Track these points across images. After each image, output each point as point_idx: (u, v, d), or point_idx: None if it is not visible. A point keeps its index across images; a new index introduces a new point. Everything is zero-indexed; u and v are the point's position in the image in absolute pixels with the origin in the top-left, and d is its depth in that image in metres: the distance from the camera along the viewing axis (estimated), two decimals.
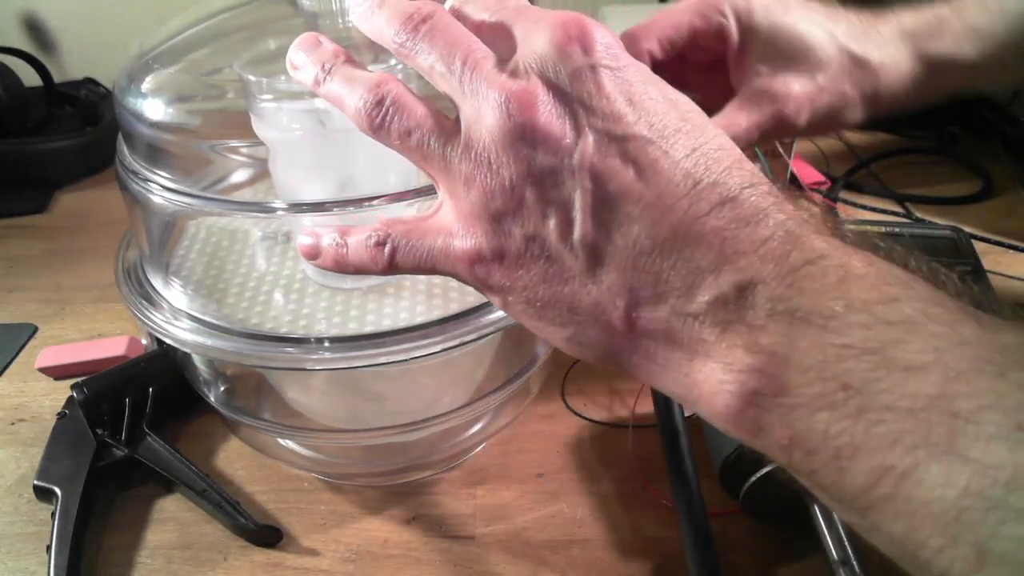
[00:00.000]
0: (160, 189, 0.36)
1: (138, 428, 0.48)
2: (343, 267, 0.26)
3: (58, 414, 0.48)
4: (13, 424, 0.52)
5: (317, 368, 0.36)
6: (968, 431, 0.17)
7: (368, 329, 0.37)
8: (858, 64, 0.38)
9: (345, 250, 0.26)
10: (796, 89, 0.37)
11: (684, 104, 0.23)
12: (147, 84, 0.36)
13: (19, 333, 0.60)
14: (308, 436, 0.45)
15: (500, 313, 0.36)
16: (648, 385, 0.23)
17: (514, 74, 0.22)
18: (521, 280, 0.23)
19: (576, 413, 0.50)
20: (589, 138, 0.21)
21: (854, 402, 0.18)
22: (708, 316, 0.21)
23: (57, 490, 0.43)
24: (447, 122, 0.24)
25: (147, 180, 0.37)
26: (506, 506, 0.44)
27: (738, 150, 0.23)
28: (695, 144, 0.22)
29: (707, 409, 0.22)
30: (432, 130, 0.23)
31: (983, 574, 0.16)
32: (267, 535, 0.42)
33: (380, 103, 0.24)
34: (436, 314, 0.37)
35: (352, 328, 0.37)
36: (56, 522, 0.41)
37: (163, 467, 0.45)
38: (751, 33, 0.37)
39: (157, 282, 0.41)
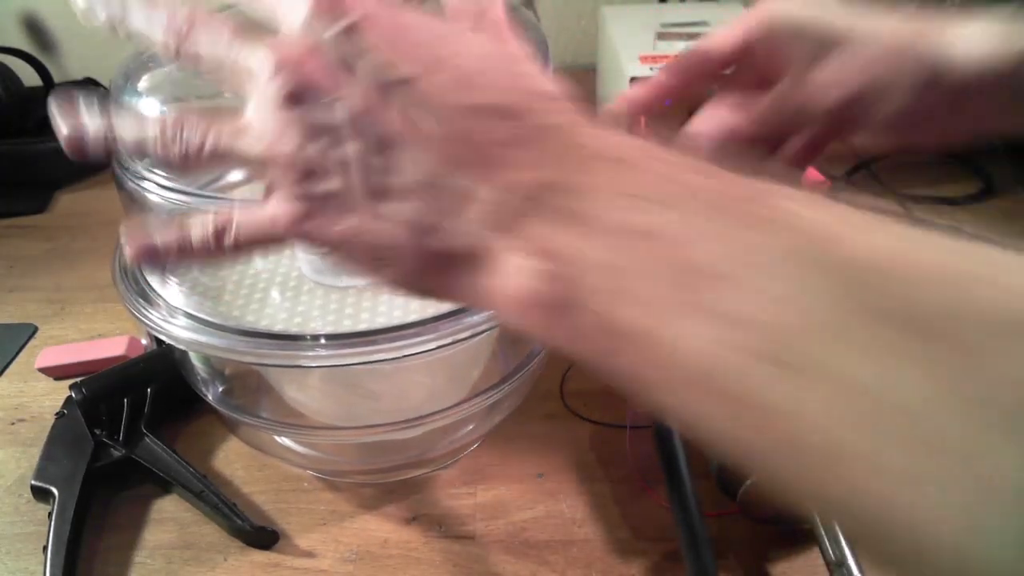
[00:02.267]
0: (157, 188, 0.36)
1: (136, 428, 0.48)
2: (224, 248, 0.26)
3: (56, 414, 0.48)
4: (13, 424, 0.52)
5: (312, 365, 0.36)
6: (705, 285, 0.18)
7: (363, 327, 0.37)
8: (907, 45, 0.32)
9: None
10: (813, 72, 0.33)
11: (459, 36, 0.23)
12: (143, 83, 0.36)
13: (19, 333, 0.60)
14: (305, 434, 0.45)
15: None
16: (466, 306, 0.24)
17: (279, 45, 0.23)
18: (335, 235, 0.24)
19: (575, 413, 0.50)
20: (355, 92, 0.22)
21: (612, 279, 0.20)
22: (484, 228, 0.21)
23: (54, 490, 0.43)
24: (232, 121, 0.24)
25: (144, 179, 0.37)
26: (506, 506, 0.44)
27: (526, 66, 0.23)
28: (463, 71, 0.22)
29: (504, 315, 0.22)
30: (220, 132, 0.24)
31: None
32: (263, 537, 0.42)
33: (174, 138, 0.24)
34: (430, 312, 0.37)
35: (347, 325, 0.37)
36: (53, 522, 0.41)
37: (160, 468, 0.45)
38: (776, 31, 0.35)
39: (154, 280, 0.41)
